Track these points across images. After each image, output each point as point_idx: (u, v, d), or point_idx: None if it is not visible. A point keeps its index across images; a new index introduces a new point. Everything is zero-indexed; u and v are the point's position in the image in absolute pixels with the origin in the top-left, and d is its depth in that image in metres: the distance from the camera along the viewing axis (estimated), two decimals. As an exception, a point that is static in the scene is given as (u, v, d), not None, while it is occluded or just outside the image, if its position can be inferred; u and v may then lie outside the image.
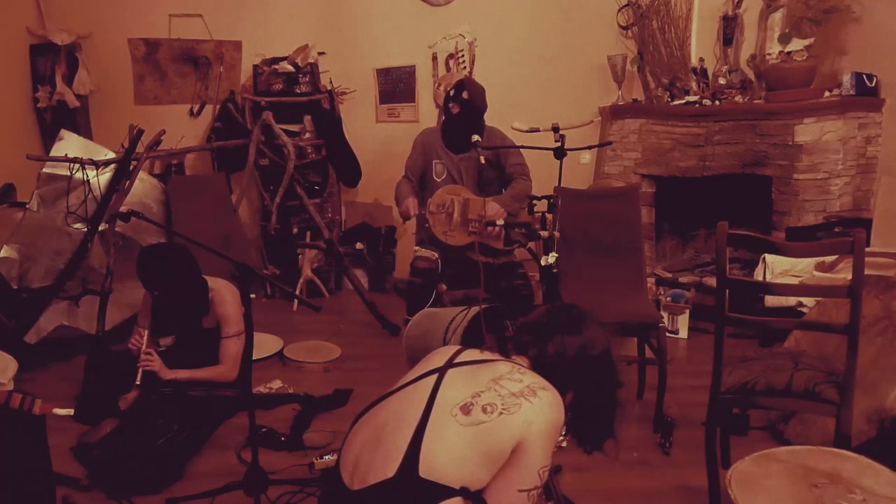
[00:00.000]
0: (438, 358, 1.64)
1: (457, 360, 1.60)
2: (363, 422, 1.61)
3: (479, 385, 1.49)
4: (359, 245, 5.13)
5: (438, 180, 3.78)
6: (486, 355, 1.63)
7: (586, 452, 1.67)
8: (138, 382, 2.76)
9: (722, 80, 4.44)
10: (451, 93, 3.72)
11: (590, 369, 1.62)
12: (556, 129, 3.17)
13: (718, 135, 4.31)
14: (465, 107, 3.65)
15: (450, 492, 1.40)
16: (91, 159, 3.75)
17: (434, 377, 1.56)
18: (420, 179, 3.86)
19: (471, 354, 1.63)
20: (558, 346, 1.61)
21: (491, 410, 1.44)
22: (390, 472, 1.43)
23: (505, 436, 1.42)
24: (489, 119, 3.82)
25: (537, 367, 1.60)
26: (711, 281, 4.19)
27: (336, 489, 1.55)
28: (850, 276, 2.07)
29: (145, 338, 2.90)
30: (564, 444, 1.76)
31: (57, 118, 4.84)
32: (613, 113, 4.79)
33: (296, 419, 3.02)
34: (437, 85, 5.06)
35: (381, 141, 5.16)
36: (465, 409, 1.46)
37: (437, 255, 3.70)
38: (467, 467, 1.42)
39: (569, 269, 3.23)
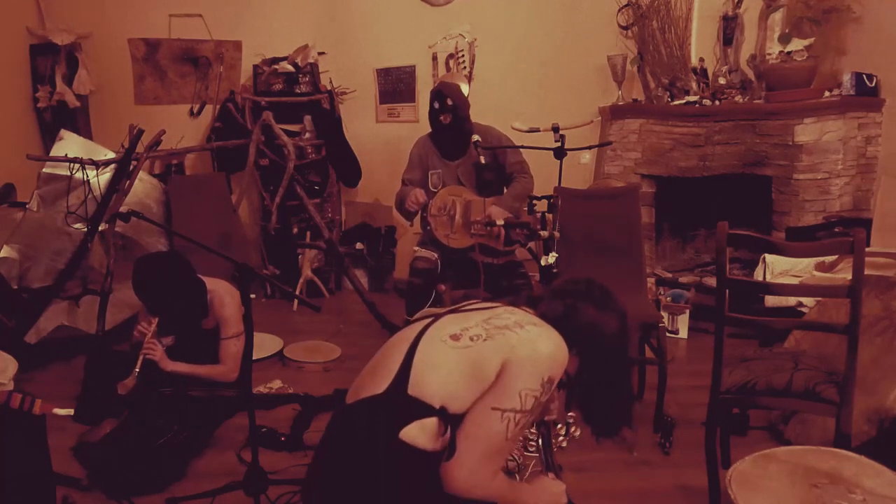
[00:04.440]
0: (444, 310, 1.69)
1: (460, 309, 1.64)
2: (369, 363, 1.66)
3: (470, 323, 1.53)
4: (359, 245, 5.13)
5: (434, 191, 3.76)
6: (489, 304, 1.64)
7: (596, 439, 1.63)
8: (137, 370, 2.76)
9: (722, 80, 4.44)
10: (436, 105, 3.68)
11: (597, 344, 1.57)
12: (556, 129, 3.17)
13: (718, 135, 4.31)
14: (454, 112, 3.64)
15: (430, 411, 1.42)
16: (91, 159, 3.75)
17: (431, 319, 1.61)
18: None
19: (475, 305, 1.66)
20: (570, 308, 1.57)
21: (477, 339, 1.47)
22: (381, 388, 1.48)
23: (489, 356, 1.44)
24: (490, 119, 3.81)
25: (543, 321, 1.58)
26: (711, 281, 4.19)
27: (336, 409, 1.62)
28: (850, 276, 2.07)
29: (153, 326, 2.88)
30: (565, 444, 1.75)
31: (57, 118, 4.85)
32: (613, 113, 4.79)
33: (296, 419, 3.02)
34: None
35: (381, 141, 5.16)
36: (455, 337, 1.49)
37: (436, 255, 3.70)
38: (451, 384, 1.44)
39: (569, 269, 3.22)
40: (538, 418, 1.73)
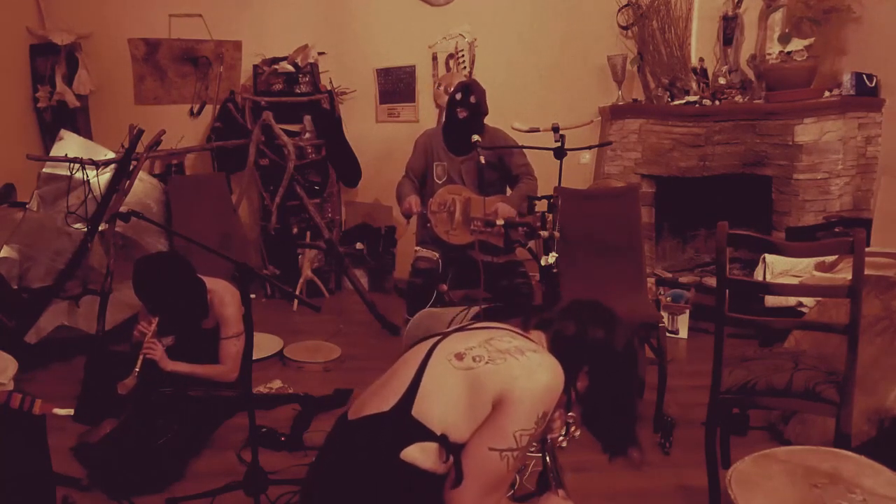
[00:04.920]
0: (452, 328, 1.69)
1: (466, 328, 1.65)
2: (380, 378, 1.65)
3: (473, 343, 1.54)
4: (359, 245, 5.13)
5: (439, 182, 3.78)
6: (493, 325, 1.65)
7: (609, 458, 1.65)
8: (137, 369, 2.76)
9: (722, 80, 4.44)
10: (458, 97, 3.68)
11: (609, 363, 1.59)
12: (556, 129, 3.17)
13: (718, 135, 4.31)
14: (473, 110, 3.65)
15: (431, 436, 1.43)
16: (91, 159, 3.75)
17: (439, 336, 1.61)
18: (421, 180, 3.86)
19: (480, 324, 1.67)
20: (580, 330, 1.60)
21: (479, 360, 1.48)
22: (386, 407, 1.48)
23: (488, 384, 1.44)
24: (490, 119, 3.82)
25: (555, 343, 1.59)
26: (711, 281, 4.19)
27: (338, 421, 1.62)
28: (850, 276, 2.07)
29: (153, 325, 2.88)
30: (565, 444, 1.75)
31: (57, 118, 4.84)
32: (613, 113, 4.79)
33: (296, 419, 3.03)
34: (437, 85, 5.05)
35: (381, 141, 5.15)
36: (459, 357, 1.50)
37: (437, 255, 3.70)
38: (453, 412, 1.45)
39: (569, 269, 3.22)
40: (541, 437, 1.74)
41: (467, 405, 1.45)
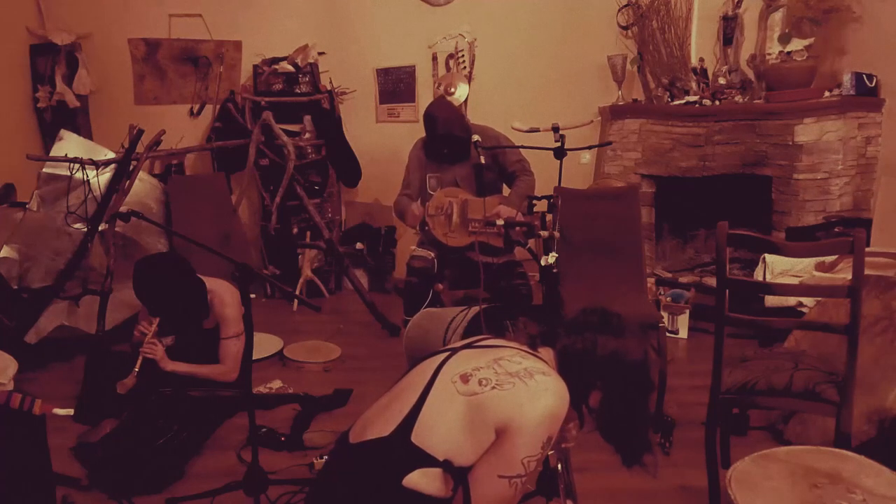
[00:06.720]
0: (460, 343, 1.66)
1: (474, 344, 1.62)
2: (385, 394, 1.63)
3: (481, 362, 1.50)
4: (359, 245, 5.13)
5: (432, 194, 3.77)
6: (502, 342, 1.62)
7: (626, 466, 1.63)
8: (137, 369, 2.76)
9: (722, 80, 4.44)
10: (430, 130, 3.67)
11: (621, 375, 1.56)
12: (556, 129, 3.17)
13: (718, 135, 4.31)
14: (449, 141, 3.65)
15: (433, 462, 1.42)
16: (91, 159, 3.76)
17: (447, 353, 1.58)
18: (417, 193, 3.85)
19: (489, 341, 1.64)
20: (589, 343, 1.56)
21: (485, 384, 1.44)
22: (387, 431, 1.47)
23: (493, 411, 1.42)
24: (490, 120, 3.81)
25: (562, 359, 1.57)
26: (711, 281, 4.18)
27: (339, 441, 1.61)
28: (850, 276, 2.07)
29: (154, 325, 2.87)
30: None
31: (57, 118, 4.84)
32: (613, 113, 4.79)
33: (296, 419, 3.03)
34: (437, 85, 5.05)
35: (381, 141, 5.15)
36: (465, 378, 1.47)
37: (433, 254, 3.70)
38: (454, 438, 1.43)
39: (569, 269, 3.22)
40: (556, 447, 1.73)
41: (469, 431, 1.43)
